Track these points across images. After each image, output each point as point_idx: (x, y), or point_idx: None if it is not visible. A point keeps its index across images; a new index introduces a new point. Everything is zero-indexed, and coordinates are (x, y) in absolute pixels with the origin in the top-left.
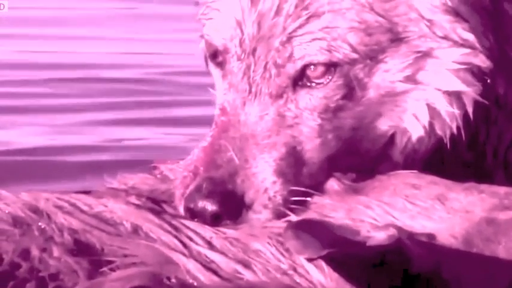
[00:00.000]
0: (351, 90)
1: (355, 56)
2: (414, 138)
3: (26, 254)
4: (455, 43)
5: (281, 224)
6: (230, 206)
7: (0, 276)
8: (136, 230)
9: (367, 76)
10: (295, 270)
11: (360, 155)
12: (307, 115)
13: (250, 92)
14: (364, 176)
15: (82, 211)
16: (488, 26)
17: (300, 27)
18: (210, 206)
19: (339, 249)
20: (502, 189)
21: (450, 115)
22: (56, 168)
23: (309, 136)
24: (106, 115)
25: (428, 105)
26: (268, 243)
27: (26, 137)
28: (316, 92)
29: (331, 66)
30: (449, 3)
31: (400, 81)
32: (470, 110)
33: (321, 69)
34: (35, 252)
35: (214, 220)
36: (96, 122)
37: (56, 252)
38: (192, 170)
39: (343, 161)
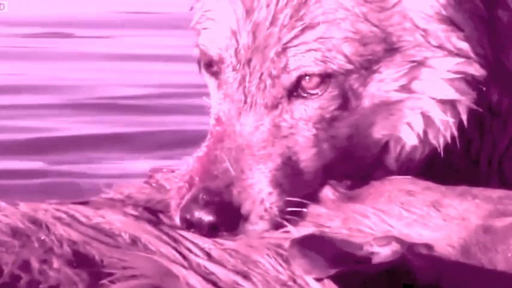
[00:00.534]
0: (345, 100)
1: (350, 66)
2: (408, 146)
3: (26, 265)
4: (450, 52)
5: (279, 234)
6: (227, 217)
7: None
8: (135, 241)
9: (362, 86)
10: (294, 281)
11: (355, 162)
12: (302, 125)
13: (245, 102)
14: (359, 182)
15: (80, 222)
16: (483, 34)
17: (295, 37)
18: (206, 217)
19: (346, 268)
20: (495, 193)
21: (444, 123)
22: None
23: (304, 146)
24: None
25: (422, 113)
26: (267, 254)
27: None
28: (311, 103)
29: (326, 77)
30: (444, 12)
31: (395, 90)
32: (464, 118)
33: (316, 80)
34: (35, 263)
35: (211, 231)
36: None
37: (55, 263)
38: (187, 180)
39: (338, 168)
